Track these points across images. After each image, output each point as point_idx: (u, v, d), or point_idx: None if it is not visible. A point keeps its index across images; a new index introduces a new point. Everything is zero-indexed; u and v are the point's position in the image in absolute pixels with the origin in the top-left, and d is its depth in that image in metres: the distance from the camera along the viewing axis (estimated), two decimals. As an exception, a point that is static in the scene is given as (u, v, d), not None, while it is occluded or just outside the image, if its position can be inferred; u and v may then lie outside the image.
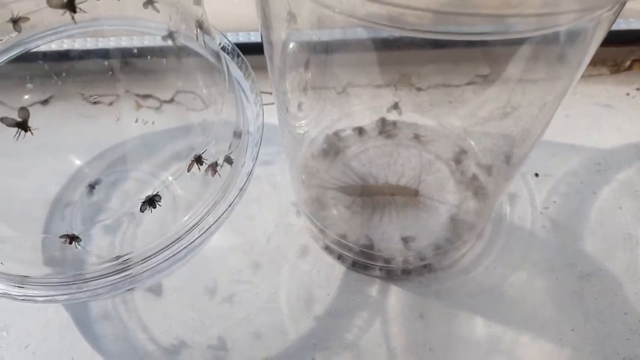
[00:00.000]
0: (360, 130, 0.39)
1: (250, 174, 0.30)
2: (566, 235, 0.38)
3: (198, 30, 0.30)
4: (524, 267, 0.36)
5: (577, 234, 0.38)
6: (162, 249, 0.29)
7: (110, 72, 0.38)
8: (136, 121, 0.38)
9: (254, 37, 0.45)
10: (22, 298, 0.27)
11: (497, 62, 0.29)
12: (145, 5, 0.29)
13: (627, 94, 0.46)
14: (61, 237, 0.27)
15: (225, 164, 0.30)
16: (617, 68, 0.48)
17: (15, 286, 0.27)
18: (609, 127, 0.44)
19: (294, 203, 0.39)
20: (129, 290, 0.33)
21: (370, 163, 0.38)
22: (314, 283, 0.36)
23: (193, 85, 0.38)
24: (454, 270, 0.36)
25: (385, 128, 0.39)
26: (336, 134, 0.39)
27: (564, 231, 0.38)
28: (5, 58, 0.32)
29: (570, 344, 0.33)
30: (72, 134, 0.39)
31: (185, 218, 0.29)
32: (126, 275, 0.28)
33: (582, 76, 0.27)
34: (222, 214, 0.29)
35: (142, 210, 0.28)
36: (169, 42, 0.31)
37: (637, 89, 0.47)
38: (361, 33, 0.30)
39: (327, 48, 0.30)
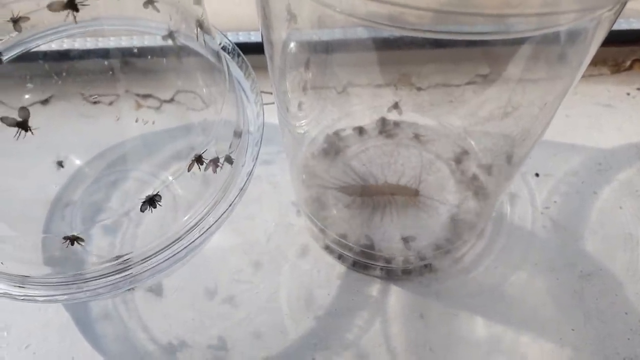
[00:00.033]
0: (360, 130, 0.39)
1: (250, 173, 0.30)
2: (567, 235, 0.38)
3: (198, 29, 0.30)
4: (525, 267, 0.36)
5: (578, 234, 0.38)
6: (162, 249, 0.29)
7: (110, 72, 0.38)
8: (136, 121, 0.38)
9: (254, 37, 0.45)
10: (22, 298, 0.27)
11: (498, 61, 0.29)
12: (146, 4, 0.29)
13: (628, 94, 0.46)
14: (64, 239, 0.27)
15: (226, 164, 0.30)
16: (617, 68, 0.48)
17: (15, 286, 0.27)
18: (609, 127, 0.44)
19: (294, 203, 0.39)
20: (129, 290, 0.33)
21: (371, 163, 0.38)
22: (314, 283, 0.36)
23: (193, 84, 0.38)
24: (454, 270, 0.36)
25: (386, 128, 0.39)
26: (336, 133, 0.39)
27: (564, 231, 0.38)
28: (6, 58, 0.32)
29: (570, 344, 0.33)
30: (72, 134, 0.39)
31: (186, 218, 0.29)
32: (126, 275, 0.28)
33: (583, 76, 0.27)
34: (222, 214, 0.29)
35: (142, 210, 0.28)
36: (169, 42, 0.31)
37: (638, 89, 0.47)
38: (361, 33, 0.30)
39: (327, 48, 0.30)
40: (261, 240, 0.38)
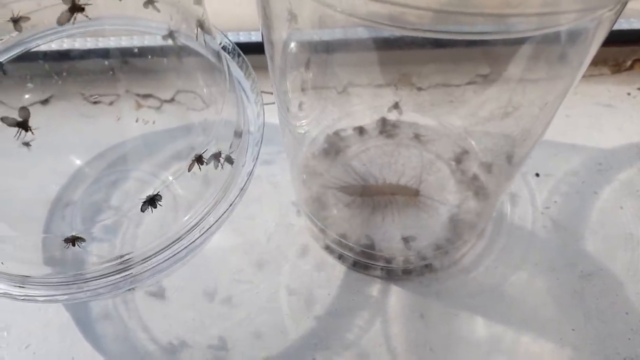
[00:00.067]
0: (360, 130, 0.39)
1: (251, 173, 0.30)
2: (567, 235, 0.38)
3: (199, 29, 0.30)
4: (525, 267, 0.36)
5: (578, 234, 0.38)
6: (162, 249, 0.29)
7: (110, 72, 0.38)
8: (137, 121, 0.38)
9: (255, 37, 0.45)
10: (22, 298, 0.27)
11: (498, 61, 0.29)
12: (146, 4, 0.29)
13: (628, 94, 0.46)
14: (64, 241, 0.27)
15: (226, 164, 0.30)
16: (618, 68, 0.48)
17: (16, 286, 0.27)
18: (610, 127, 0.44)
19: (295, 203, 0.39)
20: (129, 290, 0.33)
21: (371, 163, 0.38)
22: (314, 283, 0.36)
23: (194, 84, 0.38)
24: (454, 270, 0.36)
25: (386, 128, 0.39)
26: (337, 133, 0.39)
27: (564, 231, 0.38)
28: (6, 57, 0.32)
29: (571, 344, 0.33)
30: (73, 134, 0.39)
31: (186, 218, 0.29)
32: (127, 275, 0.28)
33: (583, 76, 0.27)
34: (222, 214, 0.29)
35: (143, 210, 0.28)
36: (170, 42, 0.31)
37: (638, 89, 0.47)
38: (362, 32, 0.30)
39: (328, 48, 0.30)
40: (261, 240, 0.38)
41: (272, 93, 0.33)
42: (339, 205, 0.37)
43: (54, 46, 0.34)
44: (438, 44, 0.26)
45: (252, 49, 0.35)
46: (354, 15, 0.20)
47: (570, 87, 0.26)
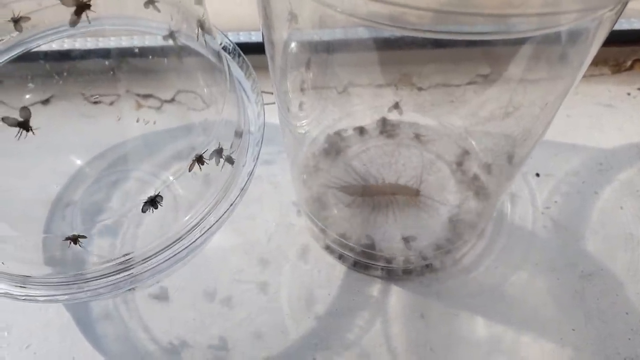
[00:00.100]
0: (361, 130, 0.39)
1: (251, 173, 0.30)
2: (567, 235, 0.38)
3: (199, 29, 0.30)
4: (525, 267, 0.36)
5: (579, 234, 0.38)
6: (163, 249, 0.29)
7: (111, 72, 0.38)
8: (137, 121, 0.38)
9: (255, 37, 0.45)
10: (23, 298, 0.27)
11: (499, 61, 0.29)
12: (146, 4, 0.29)
13: (629, 94, 0.46)
14: (65, 239, 0.27)
15: (227, 164, 0.30)
16: (618, 68, 0.48)
17: (16, 286, 0.27)
18: (610, 127, 0.44)
19: (295, 203, 0.39)
20: (130, 290, 0.33)
21: (372, 163, 0.38)
22: (314, 283, 0.36)
23: (194, 84, 0.38)
24: (455, 270, 0.36)
25: (387, 128, 0.39)
26: (337, 133, 0.39)
27: (565, 231, 0.38)
28: (7, 58, 0.32)
29: (571, 344, 0.33)
30: (73, 134, 0.39)
31: (187, 218, 0.29)
32: (127, 275, 0.28)
33: (584, 76, 0.27)
34: (223, 214, 0.29)
35: (143, 211, 0.28)
36: (170, 42, 0.31)
37: (639, 89, 0.47)
38: (362, 33, 0.30)
39: (328, 48, 0.30)
40: (262, 240, 0.38)
41: (272, 93, 0.33)
42: (339, 205, 0.37)
43: (55, 46, 0.34)
44: (438, 44, 0.26)
45: (252, 49, 0.35)
46: (354, 16, 0.20)
47: (571, 87, 0.26)
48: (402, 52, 0.31)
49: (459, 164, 0.38)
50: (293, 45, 0.29)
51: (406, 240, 0.35)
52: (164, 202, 0.28)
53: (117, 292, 0.29)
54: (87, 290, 0.27)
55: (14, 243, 0.29)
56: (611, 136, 0.43)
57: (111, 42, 0.37)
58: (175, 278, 0.36)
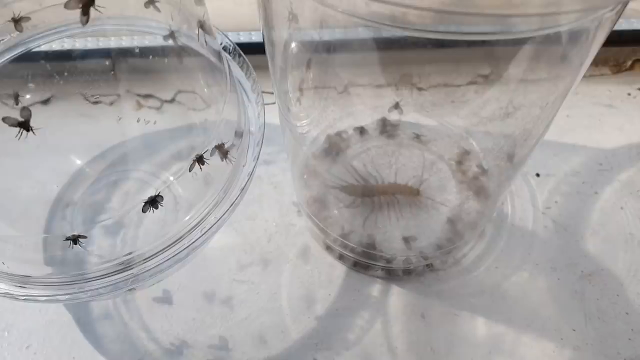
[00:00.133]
0: (361, 130, 0.39)
1: (251, 173, 0.30)
2: (568, 235, 0.38)
3: (199, 30, 0.30)
4: (526, 267, 0.36)
5: (579, 234, 0.38)
6: (163, 249, 0.29)
7: (111, 72, 0.38)
8: (137, 121, 0.38)
9: (255, 37, 0.45)
10: (24, 298, 0.27)
11: (499, 62, 0.29)
12: (147, 4, 0.29)
13: (629, 94, 0.46)
14: (66, 239, 0.27)
15: (227, 163, 0.30)
16: (618, 68, 0.48)
17: (17, 286, 0.27)
18: (610, 127, 0.44)
19: (295, 203, 0.39)
20: (130, 290, 0.33)
21: (372, 163, 0.38)
22: (315, 283, 0.36)
23: (194, 85, 0.38)
24: (455, 270, 0.36)
25: (387, 128, 0.39)
26: (337, 133, 0.39)
27: (565, 231, 0.38)
28: (7, 58, 0.32)
29: (571, 344, 0.33)
30: (73, 134, 0.39)
31: (187, 218, 0.29)
32: (127, 275, 0.28)
33: (584, 76, 0.27)
34: (223, 214, 0.29)
35: (144, 211, 0.28)
36: (170, 42, 0.31)
37: (639, 89, 0.47)
38: (363, 33, 0.30)
39: (328, 48, 0.30)
40: (262, 240, 0.38)
41: (272, 93, 0.33)
42: (339, 205, 0.37)
43: (55, 46, 0.34)
44: (439, 44, 0.26)
45: (252, 49, 0.35)
46: (355, 16, 0.20)
47: (571, 88, 0.26)
48: (403, 52, 0.31)
49: (460, 164, 0.38)
50: (293, 45, 0.29)
51: (406, 240, 0.35)
52: (164, 202, 0.28)
53: (118, 292, 0.29)
54: (87, 290, 0.27)
55: (15, 243, 0.29)
56: (611, 136, 0.43)
57: (111, 42, 0.37)
58: (176, 278, 0.36)
